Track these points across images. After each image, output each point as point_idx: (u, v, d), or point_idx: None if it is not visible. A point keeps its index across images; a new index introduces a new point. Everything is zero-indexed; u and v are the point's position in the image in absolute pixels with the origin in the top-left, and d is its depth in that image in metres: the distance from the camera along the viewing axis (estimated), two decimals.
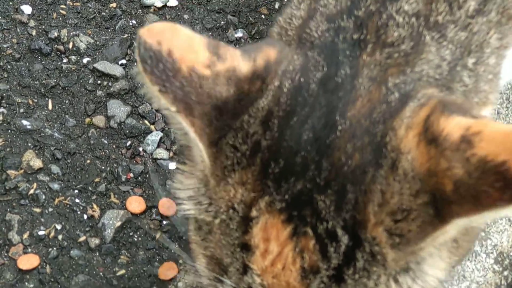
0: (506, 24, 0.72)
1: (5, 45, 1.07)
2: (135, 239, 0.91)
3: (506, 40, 0.72)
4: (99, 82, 1.05)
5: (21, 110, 1.01)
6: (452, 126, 0.56)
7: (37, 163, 0.95)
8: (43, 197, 0.93)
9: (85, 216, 0.92)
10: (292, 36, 0.71)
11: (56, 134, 0.99)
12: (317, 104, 0.61)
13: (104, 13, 1.12)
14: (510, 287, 0.87)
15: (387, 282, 0.59)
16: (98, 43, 1.09)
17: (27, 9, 1.11)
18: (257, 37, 1.10)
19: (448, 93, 0.65)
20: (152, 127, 1.01)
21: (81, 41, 1.08)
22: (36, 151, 0.97)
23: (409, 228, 0.57)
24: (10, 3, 1.12)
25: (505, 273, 0.88)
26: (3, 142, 0.98)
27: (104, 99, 1.03)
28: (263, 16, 1.13)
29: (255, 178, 0.60)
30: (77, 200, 0.93)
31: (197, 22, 1.11)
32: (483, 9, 0.70)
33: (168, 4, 1.13)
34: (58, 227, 0.91)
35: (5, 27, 1.09)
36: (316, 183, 0.59)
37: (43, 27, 1.10)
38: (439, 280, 0.62)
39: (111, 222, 0.91)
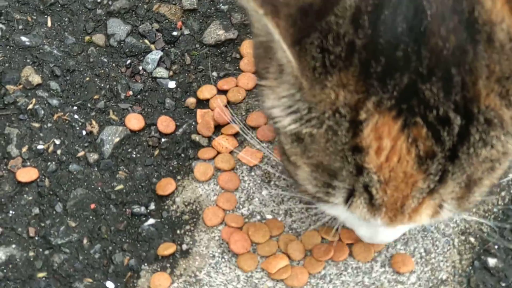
0: None
1: None
2: (134, 155, 0.91)
3: None
4: (99, 0, 1.03)
5: (20, 27, 1.00)
6: None
7: (36, 78, 0.95)
8: (42, 112, 0.93)
9: (84, 132, 0.92)
10: None
11: (55, 51, 0.98)
12: None
13: None
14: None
15: (505, 141, 0.63)
16: None
17: None
18: None
19: None
20: (152, 46, 1.00)
21: None
22: (35, 67, 0.96)
23: None
24: None
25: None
26: (2, 58, 0.97)
27: (104, 17, 1.02)
28: None
29: (357, 78, 0.61)
30: (76, 116, 0.93)
31: None
32: None
33: None
34: (57, 142, 0.91)
35: None
36: (419, 72, 0.60)
37: None
38: None
39: (109, 138, 0.91)
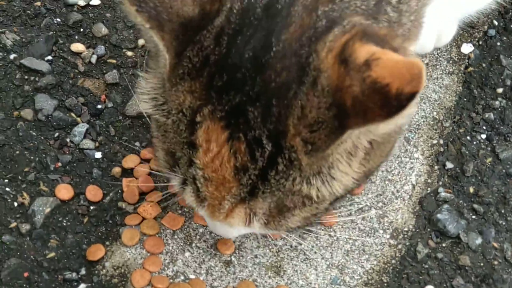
0: None
1: None
2: (64, 224, 0.98)
3: None
4: (26, 77, 1.10)
5: None
6: (362, 51, 0.67)
7: None
8: None
9: (16, 204, 0.98)
10: None
11: None
12: (259, 26, 0.72)
13: (29, 11, 1.17)
14: (403, 259, 0.98)
15: (301, 183, 0.73)
16: (24, 40, 1.14)
17: None
18: None
19: (374, 21, 0.75)
20: (79, 119, 1.07)
21: (7, 38, 1.14)
22: None
23: (319, 137, 0.69)
24: None
25: (399, 246, 0.99)
26: None
27: (32, 93, 1.09)
28: None
29: (202, 88, 0.72)
30: (7, 189, 0.99)
31: (119, 20, 1.18)
32: None
33: (91, 3, 1.20)
34: None
35: None
36: (249, 96, 0.71)
37: None
38: (345, 186, 0.76)
39: (41, 208, 0.98)
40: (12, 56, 1.12)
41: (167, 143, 0.79)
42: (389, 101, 0.63)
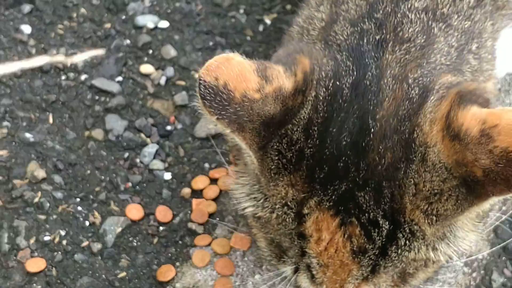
0: (495, 12, 0.85)
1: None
2: (135, 244, 0.98)
3: (497, 26, 0.85)
4: (96, 97, 1.12)
5: (24, 124, 1.07)
6: (470, 120, 0.66)
7: (40, 173, 1.02)
8: (48, 204, 0.99)
9: (87, 223, 0.99)
10: (316, 36, 0.80)
11: (57, 146, 1.05)
12: (351, 108, 0.70)
13: (99, 33, 1.19)
14: (478, 287, 0.96)
15: (426, 252, 0.72)
16: (94, 61, 1.16)
17: (26, 28, 1.18)
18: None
19: (459, 75, 0.75)
20: (148, 140, 1.08)
21: (79, 59, 1.15)
22: (40, 162, 1.03)
23: (444, 207, 0.68)
24: (11, 23, 1.18)
25: (474, 274, 0.97)
26: (8, 154, 1.04)
27: (102, 113, 1.10)
28: (248, 37, 1.21)
29: (303, 181, 0.71)
30: (79, 208, 1.00)
31: (187, 42, 1.19)
32: (480, 3, 0.82)
33: (159, 25, 1.21)
34: (62, 233, 0.98)
35: (7, 45, 1.15)
36: (356, 182, 0.69)
37: (42, 45, 1.16)
38: (470, 242, 0.74)
39: (112, 228, 0.98)
40: (83, 77, 1.14)
41: (270, 234, 0.78)
42: None
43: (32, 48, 1.16)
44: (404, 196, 0.69)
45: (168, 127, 1.09)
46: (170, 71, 1.15)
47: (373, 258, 0.72)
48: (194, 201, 1.01)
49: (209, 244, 0.97)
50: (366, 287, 0.75)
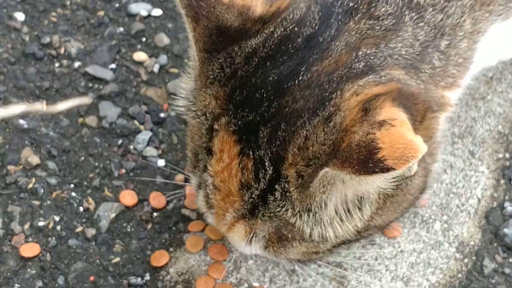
0: (479, 11, 0.79)
1: (0, 50, 1.13)
2: (129, 230, 0.98)
3: (479, 26, 0.80)
4: (90, 85, 1.12)
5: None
6: (387, 111, 0.67)
7: (34, 159, 1.02)
8: (42, 190, 1.00)
9: (81, 209, 0.99)
10: None
11: (51, 133, 1.06)
12: (294, 55, 0.72)
13: (92, 21, 1.19)
14: (469, 273, 0.97)
15: (293, 216, 0.73)
16: (88, 48, 1.16)
17: (20, 16, 1.18)
18: None
19: (415, 72, 0.74)
20: (142, 127, 1.08)
21: (72, 47, 1.15)
22: (33, 149, 1.03)
23: (309, 172, 0.69)
24: (4, 10, 1.18)
25: (465, 260, 0.97)
26: (2, 140, 1.04)
27: (96, 100, 1.10)
28: None
29: (224, 98, 0.74)
30: (73, 194, 1.00)
31: (180, 30, 1.19)
32: None
33: (152, 13, 1.21)
34: (57, 218, 0.98)
35: (0, 33, 1.15)
36: (263, 116, 0.71)
37: (36, 33, 1.16)
38: (341, 235, 0.76)
39: (105, 214, 0.98)
40: (76, 64, 1.14)
41: (192, 143, 0.81)
42: (368, 161, 0.64)
43: (26, 36, 1.16)
44: (290, 145, 0.70)
45: (162, 114, 1.09)
46: (163, 58, 1.15)
47: (254, 198, 0.73)
48: (188, 188, 1.02)
49: (203, 230, 0.98)
50: (241, 225, 0.76)
